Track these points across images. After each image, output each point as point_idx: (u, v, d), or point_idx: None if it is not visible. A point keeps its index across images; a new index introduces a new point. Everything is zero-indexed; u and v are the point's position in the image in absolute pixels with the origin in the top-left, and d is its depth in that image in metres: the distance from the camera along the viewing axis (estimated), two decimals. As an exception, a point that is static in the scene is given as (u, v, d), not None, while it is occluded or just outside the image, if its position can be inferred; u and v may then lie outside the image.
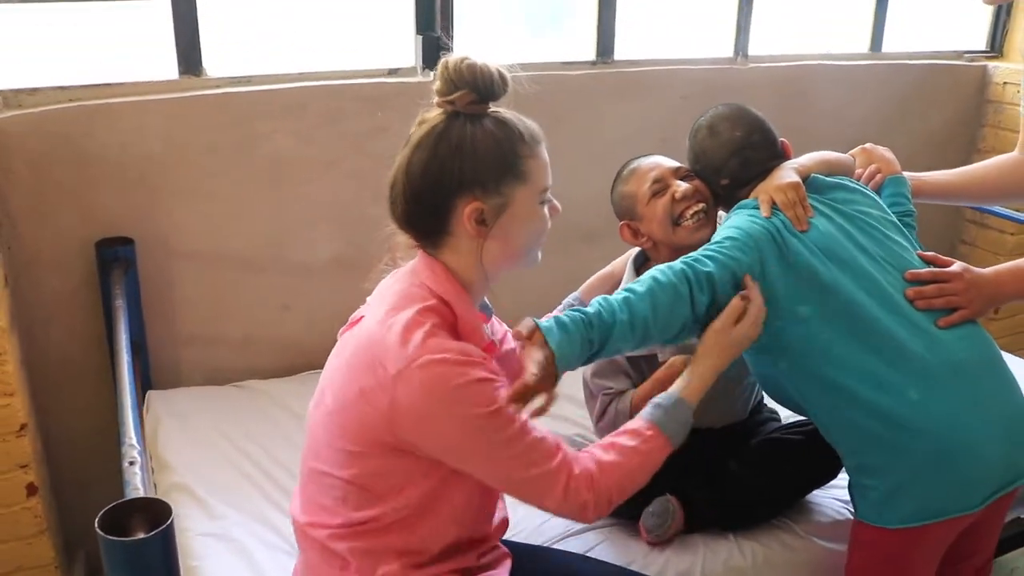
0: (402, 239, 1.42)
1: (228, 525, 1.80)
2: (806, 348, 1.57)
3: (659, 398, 1.45)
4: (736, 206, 1.67)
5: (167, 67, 2.30)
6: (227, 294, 2.44)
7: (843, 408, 1.56)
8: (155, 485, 1.92)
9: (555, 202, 1.42)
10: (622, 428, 1.43)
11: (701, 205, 1.77)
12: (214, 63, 2.35)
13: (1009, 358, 2.63)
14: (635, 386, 1.83)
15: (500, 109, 1.38)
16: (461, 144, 1.32)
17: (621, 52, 2.85)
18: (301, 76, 2.43)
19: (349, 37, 2.64)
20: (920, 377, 1.55)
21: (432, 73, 2.49)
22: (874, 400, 1.55)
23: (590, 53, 2.82)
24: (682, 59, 2.95)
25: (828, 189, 1.70)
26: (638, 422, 1.42)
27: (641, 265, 1.91)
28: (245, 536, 1.77)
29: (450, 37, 2.54)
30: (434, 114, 1.37)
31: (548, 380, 1.30)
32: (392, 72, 2.53)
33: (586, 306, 1.42)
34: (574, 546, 1.78)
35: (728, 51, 3.06)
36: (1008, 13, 3.59)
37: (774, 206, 1.61)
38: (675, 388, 1.46)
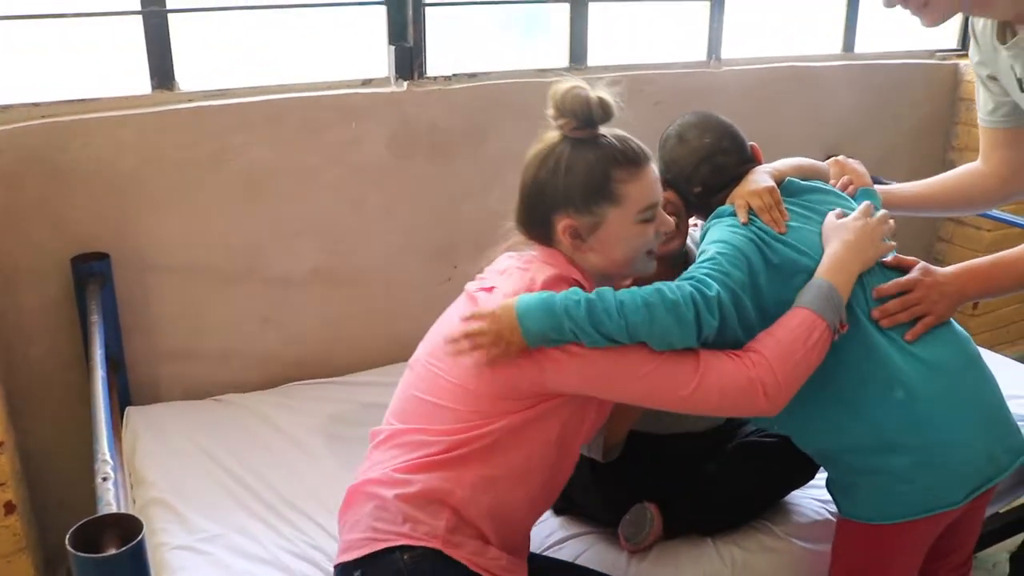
0: (519, 237, 1.59)
1: (207, 538, 1.79)
2: None
3: (809, 285, 1.52)
4: (713, 215, 1.66)
5: (140, 82, 2.30)
6: (205, 308, 2.43)
7: (829, 407, 1.57)
8: (133, 501, 1.92)
9: (665, 217, 1.55)
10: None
11: (672, 218, 1.78)
12: (187, 78, 2.35)
13: (989, 354, 2.66)
14: None
15: (610, 131, 1.51)
16: (558, 166, 1.49)
17: (594, 58, 2.87)
18: (275, 88, 2.44)
19: (322, 49, 2.65)
20: (903, 377, 1.56)
21: (405, 83, 2.53)
22: (860, 400, 1.56)
23: (563, 60, 2.84)
24: (655, 63, 2.97)
25: (803, 192, 1.71)
26: (793, 310, 1.49)
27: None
28: (223, 549, 1.76)
29: (423, 47, 2.55)
30: (550, 133, 1.52)
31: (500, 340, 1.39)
32: (366, 83, 2.54)
33: None
34: (560, 555, 1.79)
35: (701, 55, 3.09)
36: (978, 12, 3.62)
37: (750, 211, 1.61)
38: (819, 273, 1.54)
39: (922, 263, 1.67)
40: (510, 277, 1.50)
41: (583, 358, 1.39)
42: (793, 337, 1.44)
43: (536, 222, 1.53)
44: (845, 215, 1.65)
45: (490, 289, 1.50)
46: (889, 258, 1.66)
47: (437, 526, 1.41)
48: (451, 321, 1.54)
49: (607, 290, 1.41)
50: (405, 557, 1.40)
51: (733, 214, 1.62)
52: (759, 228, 1.58)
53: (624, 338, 1.38)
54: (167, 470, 2.01)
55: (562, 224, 1.49)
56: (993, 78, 1.83)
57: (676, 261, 1.76)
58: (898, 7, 1.64)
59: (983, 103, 1.91)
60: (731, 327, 1.47)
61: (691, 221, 1.84)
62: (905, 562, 1.66)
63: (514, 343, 1.38)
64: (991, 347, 2.83)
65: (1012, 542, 2.30)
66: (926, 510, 1.56)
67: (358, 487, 1.50)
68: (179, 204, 2.33)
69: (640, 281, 1.49)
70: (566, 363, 1.39)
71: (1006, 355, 2.85)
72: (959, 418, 1.57)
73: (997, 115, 1.88)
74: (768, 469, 1.86)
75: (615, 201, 1.48)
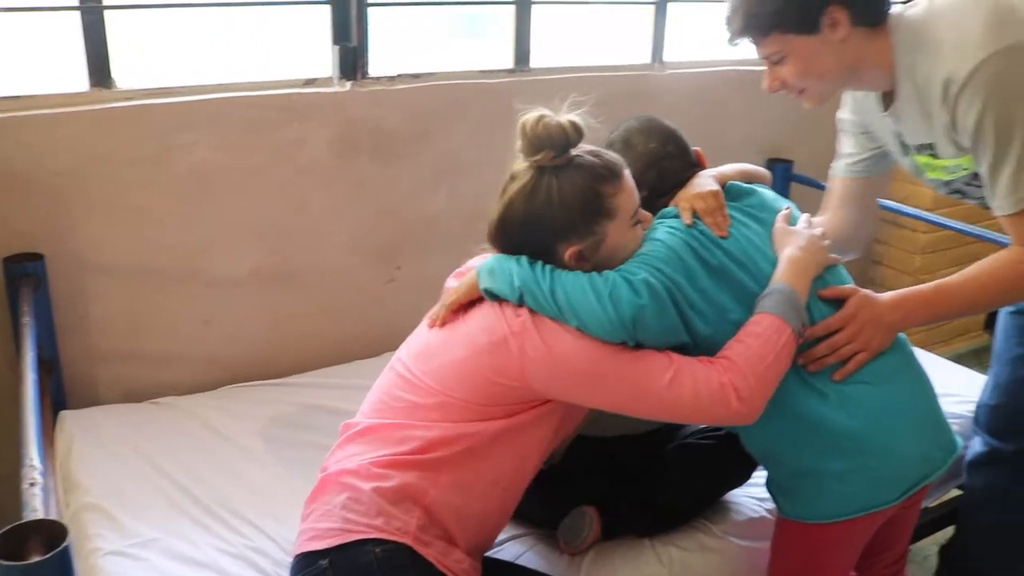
0: None
1: (142, 543, 1.76)
2: None
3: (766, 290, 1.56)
4: (657, 216, 1.68)
5: (77, 80, 2.27)
6: (145, 309, 2.40)
7: (769, 411, 1.60)
8: (67, 506, 1.88)
9: (646, 213, 1.59)
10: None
11: None
12: (126, 75, 2.31)
13: (923, 354, 2.71)
14: None
15: (581, 148, 1.51)
16: (550, 199, 1.48)
17: (538, 60, 2.88)
18: (217, 87, 2.41)
19: (266, 48, 2.63)
20: (843, 384, 1.59)
21: (348, 83, 2.52)
22: (799, 403, 1.58)
23: (508, 61, 2.85)
24: (599, 66, 2.99)
25: (744, 195, 1.73)
26: (755, 316, 1.52)
27: None
28: (158, 554, 1.74)
29: (366, 47, 2.54)
30: (522, 168, 1.51)
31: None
32: (309, 82, 2.53)
33: None
34: (500, 555, 1.79)
35: (645, 58, 3.12)
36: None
37: (695, 214, 1.63)
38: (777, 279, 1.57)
39: (860, 293, 1.64)
40: None
41: (561, 360, 1.42)
42: (762, 342, 1.47)
43: (536, 255, 1.51)
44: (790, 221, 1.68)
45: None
46: (826, 291, 1.65)
47: (409, 522, 1.43)
48: (432, 330, 1.58)
49: (549, 275, 1.46)
50: (377, 550, 1.40)
51: (677, 216, 1.64)
52: (700, 231, 1.60)
53: (552, 307, 1.44)
54: (102, 474, 1.97)
55: (569, 252, 1.49)
56: (866, 133, 1.89)
57: None
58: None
59: (848, 153, 1.95)
60: (671, 322, 1.49)
61: None
62: (842, 559, 1.69)
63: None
64: (925, 347, 2.89)
65: (943, 535, 2.35)
66: (862, 509, 1.59)
67: (332, 476, 1.50)
68: (118, 204, 2.29)
69: None
70: (546, 365, 1.42)
71: (940, 355, 2.92)
72: (896, 421, 1.60)
73: (858, 166, 1.93)
74: (706, 470, 1.88)
75: (611, 215, 1.51)
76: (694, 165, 1.76)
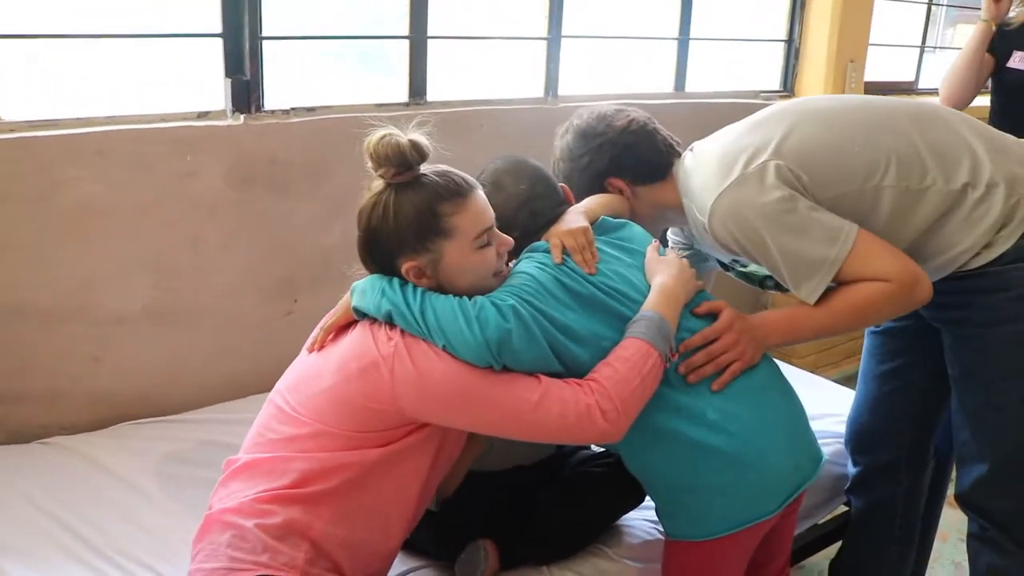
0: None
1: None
2: None
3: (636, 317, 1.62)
4: (526, 250, 1.72)
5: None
6: (30, 347, 2.32)
7: (647, 433, 1.64)
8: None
9: (502, 237, 1.62)
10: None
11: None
12: (8, 107, 2.25)
13: (811, 377, 2.83)
14: None
15: (432, 168, 1.56)
16: (387, 213, 1.52)
17: (434, 94, 2.91)
18: (106, 120, 2.36)
19: (158, 81, 2.59)
20: (714, 399, 1.65)
21: (242, 117, 2.50)
22: (674, 425, 1.64)
23: (403, 95, 2.87)
24: (494, 99, 3.04)
25: (615, 228, 1.80)
26: (625, 340, 1.58)
27: None
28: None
29: (260, 80, 2.53)
30: (376, 182, 1.56)
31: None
32: (202, 115, 2.50)
33: None
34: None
35: (539, 92, 3.18)
36: (796, 57, 3.91)
37: (564, 250, 1.68)
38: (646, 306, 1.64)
39: (731, 308, 1.74)
40: None
41: (430, 382, 1.44)
42: (629, 366, 1.52)
43: (381, 269, 1.58)
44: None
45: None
46: (700, 307, 1.74)
47: (296, 556, 1.43)
48: (308, 357, 1.59)
49: (420, 296, 1.50)
50: None
51: (547, 251, 1.68)
52: (569, 268, 1.65)
53: (421, 327, 1.48)
54: (-16, 521, 1.90)
55: (405, 267, 1.54)
56: (687, 247, 2.15)
57: None
58: None
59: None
60: (540, 350, 1.53)
61: None
62: (730, 573, 1.75)
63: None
64: (814, 369, 3.02)
65: (832, 550, 2.44)
66: (745, 522, 1.66)
67: (215, 516, 1.49)
68: (1, 240, 2.22)
69: None
70: (415, 387, 1.44)
71: (828, 377, 3.04)
72: (769, 434, 1.68)
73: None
74: (599, 496, 1.91)
75: (447, 235, 1.53)
76: (563, 203, 1.82)
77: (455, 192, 1.54)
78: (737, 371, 1.68)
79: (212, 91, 2.53)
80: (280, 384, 1.62)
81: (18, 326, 2.29)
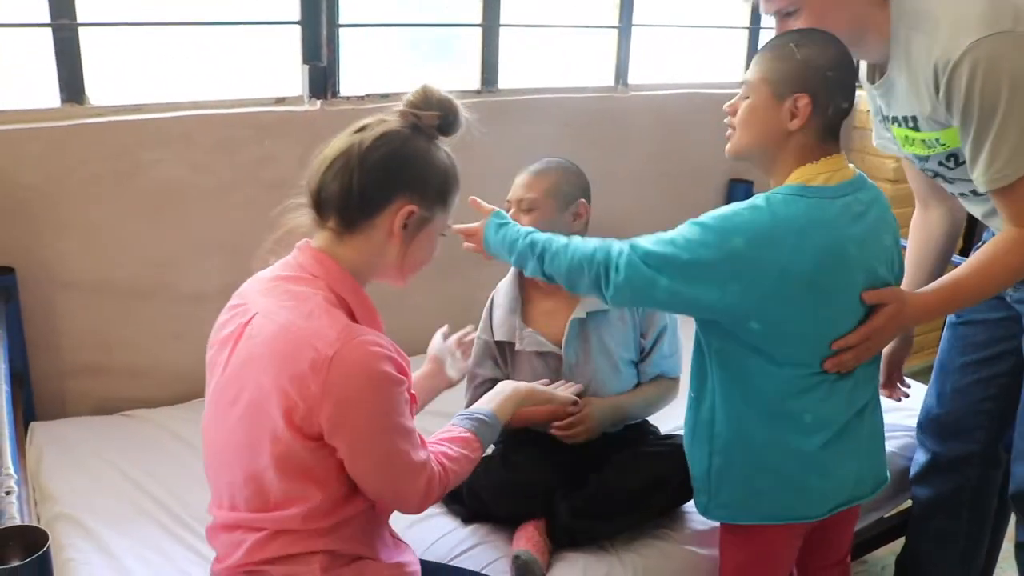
0: (306, 220, 1.51)
1: (115, 552, 1.79)
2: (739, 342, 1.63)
3: (485, 414, 1.63)
4: None
5: (49, 96, 2.29)
6: (114, 324, 2.42)
7: (764, 415, 1.65)
8: (38, 516, 1.90)
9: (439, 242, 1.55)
10: (457, 434, 1.57)
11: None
12: (98, 92, 2.34)
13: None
14: (505, 375, 1.98)
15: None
16: (423, 154, 1.44)
17: (505, 81, 2.94)
18: (188, 105, 2.45)
19: (236, 67, 2.66)
20: (817, 404, 1.64)
21: (318, 102, 2.56)
22: (780, 436, 1.65)
23: (475, 82, 2.91)
24: (565, 87, 3.06)
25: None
26: (469, 434, 1.58)
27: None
28: (132, 561, 1.77)
29: (336, 67, 2.58)
30: (393, 119, 1.47)
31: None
32: (280, 101, 2.57)
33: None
34: (469, 564, 1.82)
35: (609, 80, 3.19)
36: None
37: None
38: (493, 409, 1.65)
39: (892, 306, 1.64)
40: (287, 305, 1.42)
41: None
42: (466, 470, 1.55)
43: (365, 201, 1.41)
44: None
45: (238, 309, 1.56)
46: (869, 295, 1.62)
47: (313, 570, 1.41)
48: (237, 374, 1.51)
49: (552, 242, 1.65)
50: None
51: None
52: None
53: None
54: (73, 485, 1.99)
55: (404, 209, 1.41)
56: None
57: None
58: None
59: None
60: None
61: None
62: (776, 558, 1.79)
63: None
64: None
65: (896, 546, 2.42)
66: (790, 519, 1.71)
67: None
68: (88, 220, 2.32)
69: None
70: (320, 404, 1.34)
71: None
72: (845, 445, 1.68)
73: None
74: (660, 477, 1.91)
75: (446, 208, 1.50)
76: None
77: (457, 185, 1.52)
78: (864, 359, 1.65)
79: (290, 77, 2.59)
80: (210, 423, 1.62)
81: (104, 302, 2.39)
